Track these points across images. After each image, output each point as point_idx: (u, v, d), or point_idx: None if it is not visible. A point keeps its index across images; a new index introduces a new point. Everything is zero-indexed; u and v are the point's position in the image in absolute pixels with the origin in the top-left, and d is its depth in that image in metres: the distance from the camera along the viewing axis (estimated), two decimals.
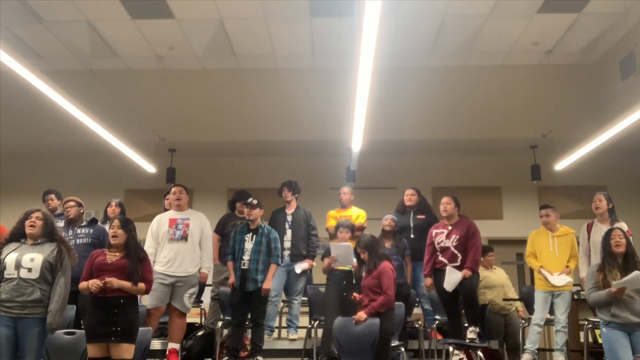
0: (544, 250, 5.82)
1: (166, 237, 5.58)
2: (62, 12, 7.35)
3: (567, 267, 5.68)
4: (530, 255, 5.92)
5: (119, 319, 4.20)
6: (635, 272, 4.50)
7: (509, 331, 6.53)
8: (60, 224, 6.19)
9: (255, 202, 5.80)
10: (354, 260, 5.67)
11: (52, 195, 6.54)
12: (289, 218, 6.55)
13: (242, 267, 5.62)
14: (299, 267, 6.36)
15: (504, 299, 6.63)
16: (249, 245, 5.69)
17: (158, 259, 5.48)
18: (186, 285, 5.50)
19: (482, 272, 6.79)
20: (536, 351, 5.68)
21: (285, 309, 6.83)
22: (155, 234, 5.61)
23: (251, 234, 5.73)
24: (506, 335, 6.54)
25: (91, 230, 5.78)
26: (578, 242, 5.84)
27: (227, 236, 6.29)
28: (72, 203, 5.91)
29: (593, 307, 4.86)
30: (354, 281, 5.75)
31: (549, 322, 5.91)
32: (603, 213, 5.76)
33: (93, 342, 4.19)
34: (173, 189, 5.86)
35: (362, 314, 5.15)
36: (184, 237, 5.59)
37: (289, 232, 6.49)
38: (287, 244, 6.44)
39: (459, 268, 5.72)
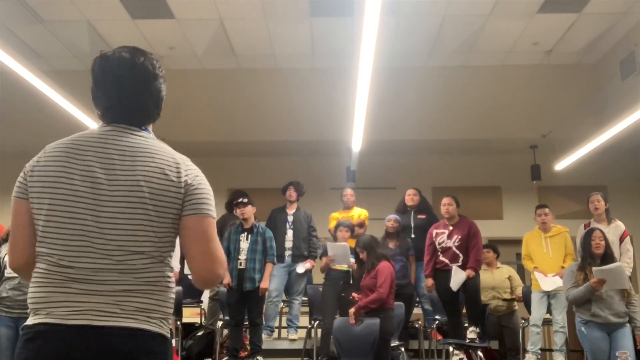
0: (538, 251, 5.85)
1: None
2: (62, 12, 7.35)
3: (563, 267, 5.70)
4: (525, 258, 5.96)
5: None
6: (617, 264, 4.58)
7: (507, 332, 6.52)
8: None
9: (245, 200, 5.80)
10: (352, 260, 5.67)
11: None
12: (290, 218, 6.56)
13: (239, 266, 5.63)
14: (301, 267, 6.36)
15: (504, 299, 6.63)
16: (244, 244, 5.69)
17: None
18: None
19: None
20: (539, 352, 5.69)
21: (286, 309, 6.84)
22: None
23: (246, 233, 5.74)
24: (504, 336, 6.53)
25: None
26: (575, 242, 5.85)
27: None
28: None
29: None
30: (351, 281, 5.75)
31: (548, 323, 5.92)
32: (601, 213, 5.78)
33: None
34: None
35: (350, 311, 5.15)
36: None
37: (289, 232, 6.49)
38: (289, 244, 6.45)
39: (461, 268, 5.74)
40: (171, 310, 1.71)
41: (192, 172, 1.72)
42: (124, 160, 1.64)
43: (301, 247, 6.46)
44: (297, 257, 6.44)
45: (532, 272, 5.81)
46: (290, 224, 6.54)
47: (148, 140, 1.72)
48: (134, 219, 1.60)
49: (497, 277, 6.62)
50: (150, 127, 1.81)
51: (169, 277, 1.70)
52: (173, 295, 1.72)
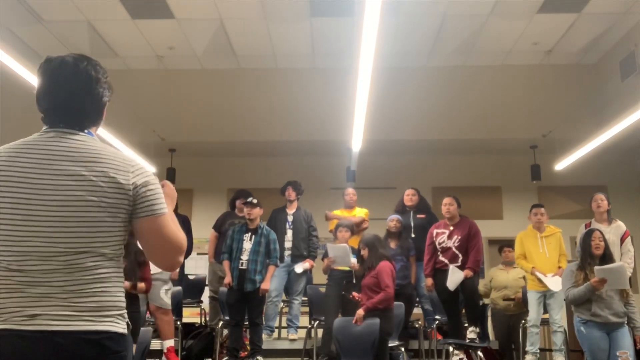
0: (534, 251, 5.84)
1: None
2: (62, 12, 7.35)
3: (560, 267, 5.70)
4: (520, 257, 5.94)
5: None
6: (619, 263, 4.58)
7: (516, 332, 6.50)
8: None
9: (255, 201, 5.80)
10: (353, 260, 5.68)
11: None
12: (290, 218, 6.56)
13: (240, 267, 5.63)
14: (300, 267, 6.37)
15: (504, 299, 6.62)
16: (247, 245, 5.69)
17: None
18: (159, 282, 5.51)
19: (492, 272, 6.83)
20: (538, 352, 5.69)
21: (286, 309, 6.84)
22: None
23: (250, 234, 5.73)
24: (513, 336, 6.51)
25: None
26: (575, 242, 5.85)
27: (225, 234, 6.33)
28: None
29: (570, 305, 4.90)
30: (354, 281, 5.76)
31: (546, 323, 5.91)
32: (603, 212, 5.77)
33: None
34: None
35: (360, 312, 5.16)
36: None
37: (289, 232, 6.50)
38: (288, 244, 6.45)
39: (460, 268, 5.74)
40: (120, 301, 1.70)
41: (140, 174, 1.73)
42: (67, 165, 1.66)
43: (300, 247, 6.46)
44: (296, 257, 6.44)
45: (530, 272, 5.80)
46: (290, 223, 6.55)
47: (90, 143, 1.74)
48: (80, 220, 1.61)
49: (510, 277, 6.61)
50: (94, 130, 1.83)
51: (119, 273, 1.72)
52: (119, 287, 1.72)
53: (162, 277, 5.56)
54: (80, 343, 1.57)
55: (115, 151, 1.76)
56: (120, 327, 1.66)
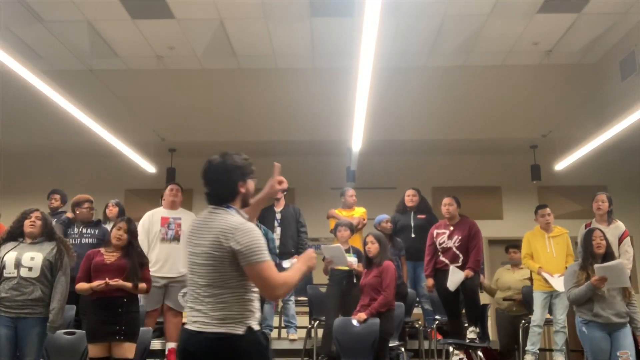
0: (541, 251, 5.83)
1: (158, 237, 5.59)
2: (62, 12, 7.35)
3: (567, 268, 5.68)
4: (527, 257, 5.94)
5: (123, 319, 4.23)
6: (618, 260, 4.57)
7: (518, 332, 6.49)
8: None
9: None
10: (351, 259, 5.67)
11: (57, 196, 6.67)
12: (278, 216, 6.55)
13: None
14: (287, 262, 6.35)
15: (505, 299, 6.62)
16: None
17: (149, 258, 5.49)
18: (180, 285, 5.51)
19: (499, 272, 6.82)
20: (538, 352, 5.69)
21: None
22: (146, 232, 5.62)
23: None
24: (516, 335, 6.50)
25: (96, 231, 5.82)
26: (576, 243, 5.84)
27: None
28: (89, 205, 6.00)
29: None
30: (354, 280, 5.75)
31: (548, 323, 5.91)
32: (603, 214, 5.76)
33: (95, 342, 4.20)
34: (170, 186, 5.91)
35: (362, 315, 5.15)
36: (176, 238, 5.62)
37: (278, 230, 6.49)
38: (276, 242, 6.44)
39: (460, 268, 5.73)
40: (241, 314, 2.50)
41: (238, 239, 2.48)
42: (204, 231, 2.57)
43: (288, 244, 6.45)
44: (284, 255, 6.42)
45: (536, 272, 5.80)
46: (279, 221, 6.54)
47: (222, 216, 2.57)
48: (209, 265, 2.52)
49: (516, 278, 6.61)
50: (235, 204, 2.64)
51: (238, 298, 2.51)
52: (241, 305, 2.52)
53: (183, 280, 5.55)
54: (210, 339, 2.47)
55: (230, 220, 2.54)
56: (239, 330, 2.48)
